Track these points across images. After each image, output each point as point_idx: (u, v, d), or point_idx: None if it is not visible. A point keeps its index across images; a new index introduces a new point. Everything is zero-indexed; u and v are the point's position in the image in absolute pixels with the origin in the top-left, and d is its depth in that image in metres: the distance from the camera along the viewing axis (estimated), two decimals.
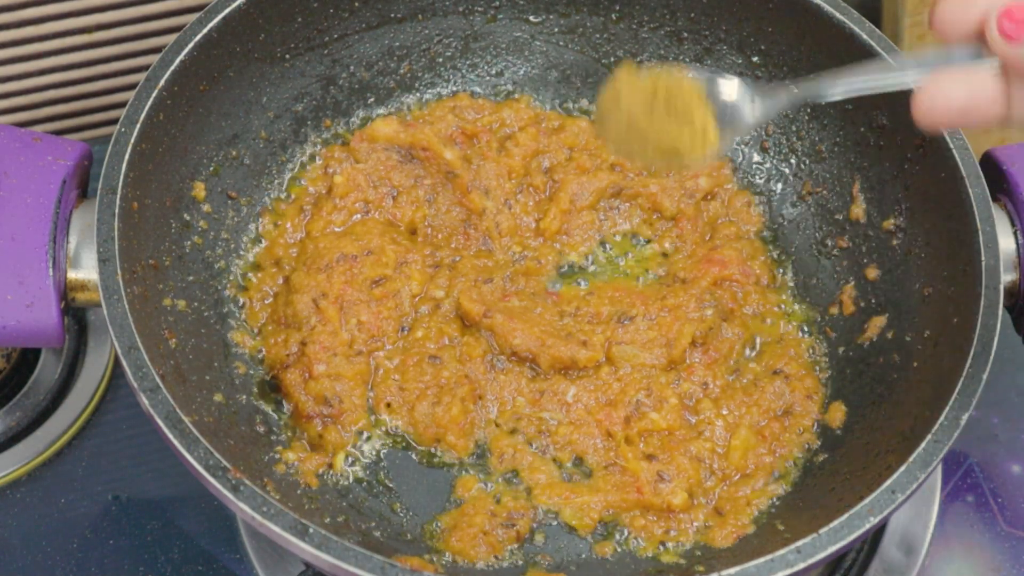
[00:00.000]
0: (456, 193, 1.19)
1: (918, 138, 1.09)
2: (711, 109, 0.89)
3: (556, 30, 1.26)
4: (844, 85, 0.86)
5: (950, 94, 0.78)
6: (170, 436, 0.89)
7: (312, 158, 1.21)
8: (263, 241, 1.16)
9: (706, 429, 1.08)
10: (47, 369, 1.23)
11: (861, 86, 0.86)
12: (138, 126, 1.01)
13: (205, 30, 1.07)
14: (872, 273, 1.14)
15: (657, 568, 1.01)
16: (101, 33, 1.36)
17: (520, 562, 1.01)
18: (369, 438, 1.07)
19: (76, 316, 1.26)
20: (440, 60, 1.26)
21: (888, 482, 0.90)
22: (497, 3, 1.25)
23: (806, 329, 1.15)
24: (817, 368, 1.12)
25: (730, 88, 0.90)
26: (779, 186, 1.23)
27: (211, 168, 1.13)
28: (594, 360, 1.10)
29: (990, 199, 1.04)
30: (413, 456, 1.07)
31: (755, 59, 1.22)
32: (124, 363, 0.91)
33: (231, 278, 1.13)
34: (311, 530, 0.85)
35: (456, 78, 1.27)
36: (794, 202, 1.22)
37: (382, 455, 1.06)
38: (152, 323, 0.99)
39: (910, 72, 0.82)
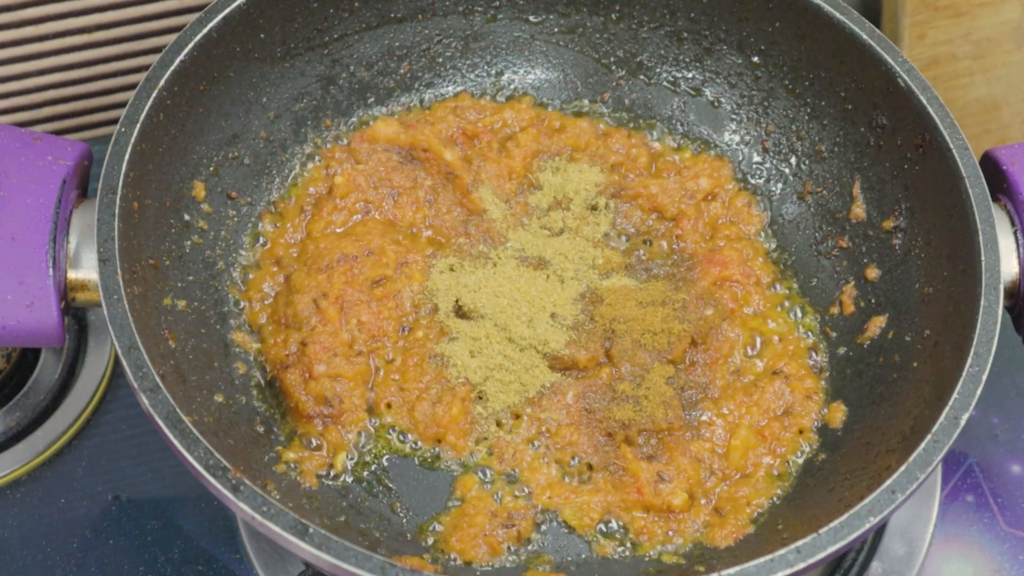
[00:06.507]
0: (456, 193, 1.19)
1: (918, 138, 1.09)
2: None
3: (556, 30, 1.26)
4: None
5: None
6: (170, 436, 0.89)
7: (312, 158, 1.21)
8: (263, 241, 1.16)
9: (706, 429, 1.08)
10: (47, 369, 1.23)
11: None
12: (138, 126, 1.01)
13: (205, 30, 1.07)
14: (872, 273, 1.14)
15: (657, 568, 1.01)
16: (101, 33, 1.36)
17: (520, 562, 1.01)
18: (369, 438, 1.07)
19: (76, 316, 1.26)
20: (440, 60, 1.26)
21: (888, 482, 0.90)
22: (497, 3, 1.25)
23: (806, 329, 1.15)
24: (817, 368, 1.12)
25: None
26: (779, 186, 1.23)
27: (211, 168, 1.13)
28: (594, 360, 1.10)
29: (990, 199, 1.04)
30: (413, 456, 1.07)
31: (755, 59, 1.22)
32: (124, 363, 0.91)
33: (231, 278, 1.13)
34: (311, 530, 0.85)
35: (456, 78, 1.27)
36: (794, 202, 1.22)
37: (382, 455, 1.06)
38: (152, 323, 0.99)
39: None
